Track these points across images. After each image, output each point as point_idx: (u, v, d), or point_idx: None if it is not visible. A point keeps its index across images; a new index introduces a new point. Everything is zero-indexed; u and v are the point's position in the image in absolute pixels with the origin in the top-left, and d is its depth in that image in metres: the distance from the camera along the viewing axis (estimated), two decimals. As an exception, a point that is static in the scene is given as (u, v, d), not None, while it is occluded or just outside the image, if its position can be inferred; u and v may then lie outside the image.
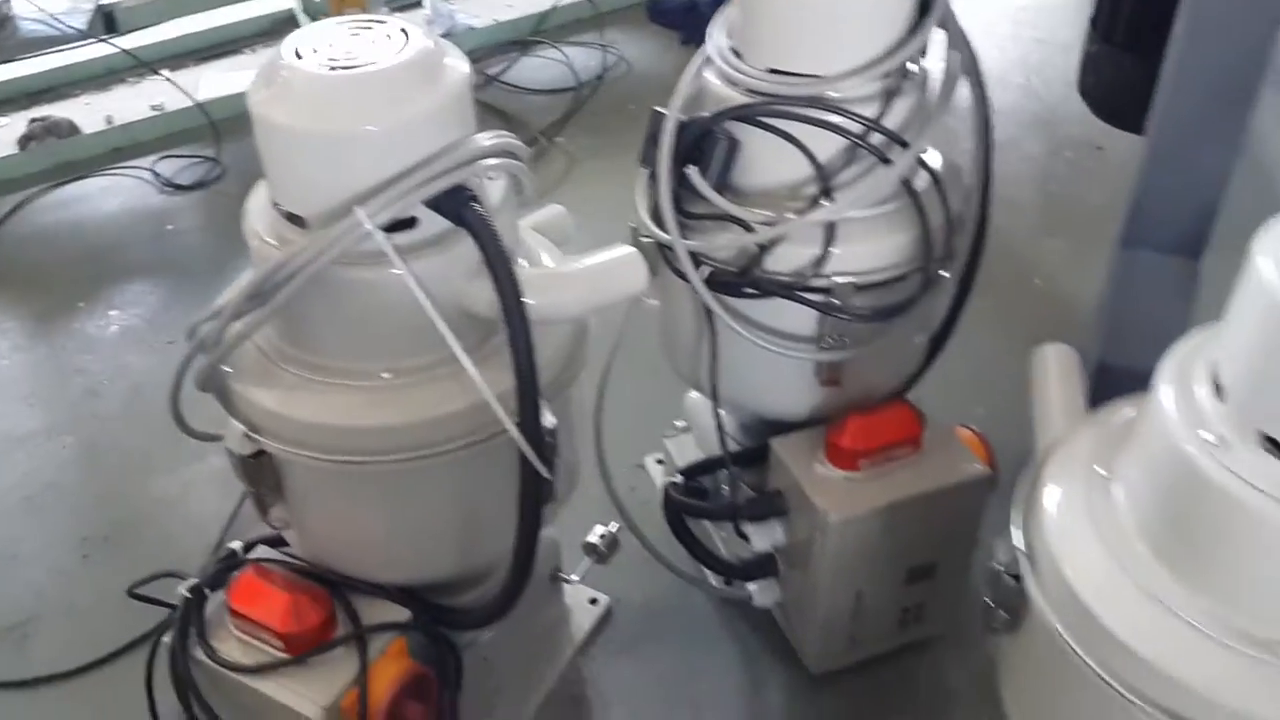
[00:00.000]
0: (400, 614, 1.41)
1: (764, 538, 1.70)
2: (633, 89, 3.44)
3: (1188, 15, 1.70)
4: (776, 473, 1.68)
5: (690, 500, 1.76)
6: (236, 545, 1.51)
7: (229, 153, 3.19)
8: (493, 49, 3.66)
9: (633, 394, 1.98)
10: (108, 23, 3.43)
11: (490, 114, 3.31)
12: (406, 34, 1.26)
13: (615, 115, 3.31)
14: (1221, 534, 1.02)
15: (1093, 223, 2.65)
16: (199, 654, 1.37)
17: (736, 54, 1.58)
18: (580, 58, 3.61)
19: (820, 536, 1.58)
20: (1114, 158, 2.97)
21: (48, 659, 1.90)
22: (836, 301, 1.55)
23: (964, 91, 1.59)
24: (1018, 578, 1.17)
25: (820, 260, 1.55)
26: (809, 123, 1.50)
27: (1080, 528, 1.13)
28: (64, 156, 3.24)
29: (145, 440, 2.29)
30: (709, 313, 1.61)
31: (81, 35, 3.36)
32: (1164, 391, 1.08)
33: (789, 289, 1.56)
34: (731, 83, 1.57)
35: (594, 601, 1.88)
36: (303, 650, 1.34)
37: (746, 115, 1.53)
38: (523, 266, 1.38)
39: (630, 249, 1.36)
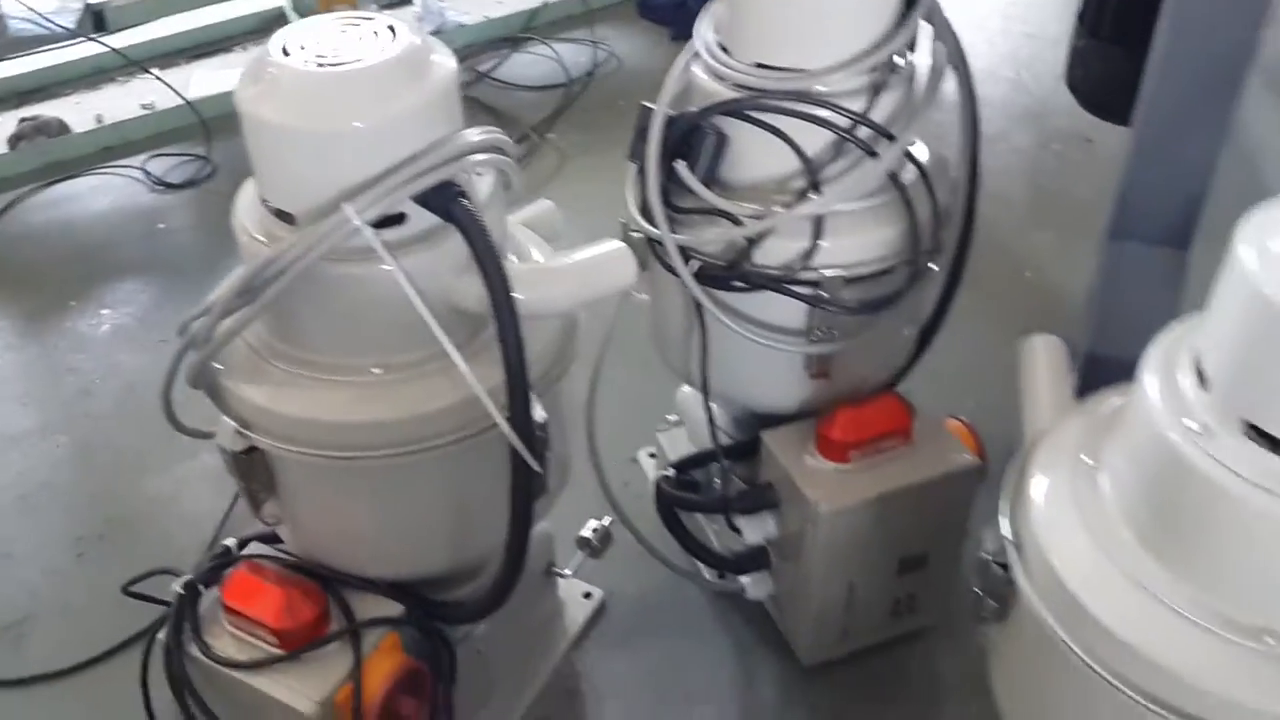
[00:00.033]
0: (394, 609, 1.41)
1: (756, 530, 1.71)
2: (623, 85, 3.45)
3: (1172, 8, 1.71)
4: (768, 465, 1.69)
5: (682, 493, 1.77)
6: (230, 542, 1.52)
7: (220, 151, 3.19)
8: (483, 46, 3.66)
9: (625, 388, 1.99)
10: (97, 21, 3.42)
11: (481, 110, 3.31)
12: (393, 30, 1.26)
13: (606, 111, 3.31)
14: (1206, 521, 1.03)
15: (1082, 215, 2.66)
16: (193, 650, 1.38)
17: (724, 49, 1.59)
18: (570, 54, 3.62)
19: (811, 528, 1.59)
20: (1103, 150, 2.98)
21: (43, 658, 1.90)
22: (825, 294, 1.56)
23: (952, 85, 1.60)
24: (1006, 567, 1.18)
25: (808, 253, 1.55)
26: (796, 117, 1.51)
27: (1067, 516, 1.14)
28: (54, 156, 3.24)
29: (138, 439, 2.29)
30: (699, 307, 1.62)
31: (71, 34, 3.36)
32: (1148, 381, 1.09)
33: (778, 282, 1.57)
34: (719, 78, 1.58)
35: (588, 595, 1.88)
36: (297, 646, 1.35)
37: (734, 110, 1.54)
38: (512, 262, 1.39)
39: (619, 244, 1.36)
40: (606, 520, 1.82)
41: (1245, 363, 1.01)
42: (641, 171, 1.60)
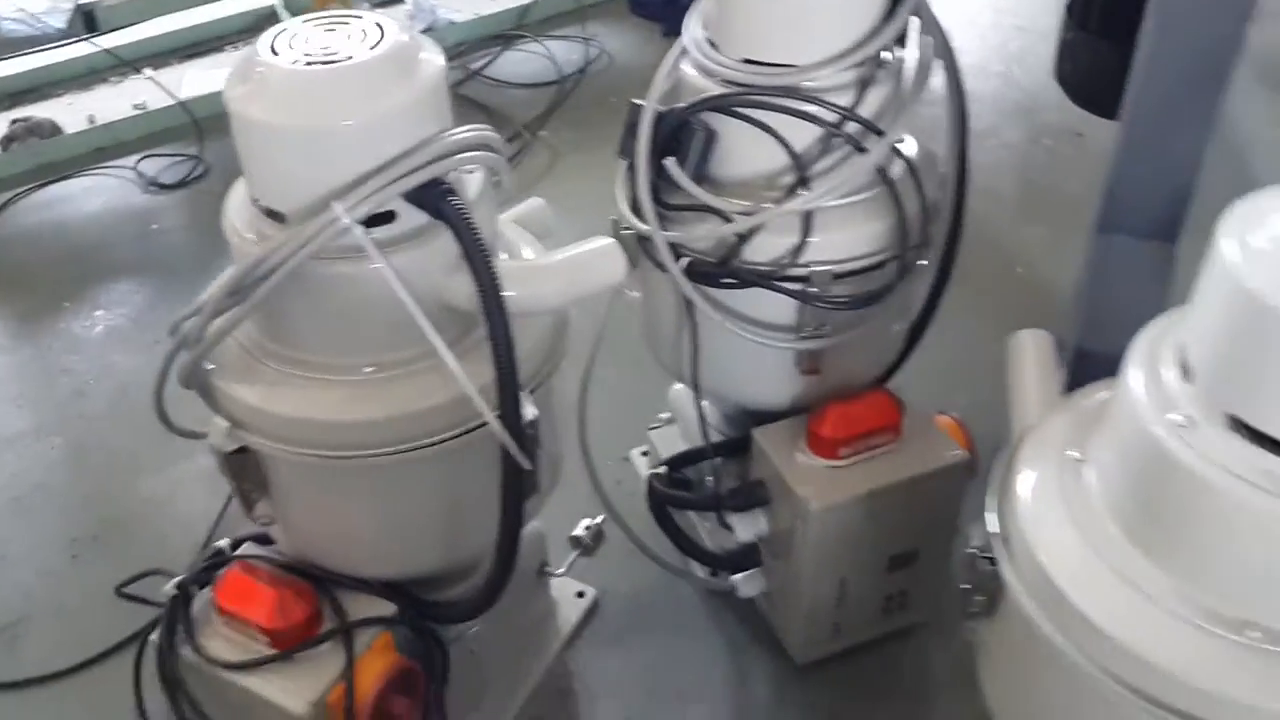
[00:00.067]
0: (386, 609, 1.41)
1: (747, 528, 1.71)
2: (615, 82, 3.44)
3: (1158, 2, 1.71)
4: (759, 462, 1.69)
5: (674, 491, 1.78)
6: (223, 543, 1.52)
7: (212, 151, 3.19)
8: (475, 43, 3.66)
9: (618, 387, 1.99)
10: (88, 22, 3.42)
11: (473, 108, 3.31)
12: (381, 28, 1.26)
13: (598, 108, 3.31)
14: (1190, 515, 1.04)
15: (1073, 209, 2.66)
16: (186, 651, 1.38)
17: (713, 45, 1.59)
18: (562, 51, 3.62)
19: (802, 525, 1.60)
20: (1094, 144, 2.99)
21: (38, 660, 1.90)
22: (815, 290, 1.56)
23: (941, 79, 1.60)
24: (993, 562, 1.18)
25: (798, 249, 1.56)
26: (784, 112, 1.51)
27: (1053, 511, 1.15)
28: (46, 157, 3.24)
29: (133, 440, 2.29)
30: (689, 304, 1.62)
31: (62, 35, 3.35)
32: (1133, 374, 1.09)
33: (768, 278, 1.57)
34: (708, 74, 1.58)
35: (580, 594, 1.89)
36: (289, 646, 1.35)
37: (722, 106, 1.54)
38: (503, 259, 1.39)
39: (608, 240, 1.37)
40: (599, 519, 1.82)
41: (1228, 356, 1.01)
42: (631, 168, 1.60)
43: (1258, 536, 1.00)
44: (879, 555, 1.68)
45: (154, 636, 1.41)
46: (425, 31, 3.57)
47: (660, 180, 1.59)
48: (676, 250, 1.59)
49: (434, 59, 1.29)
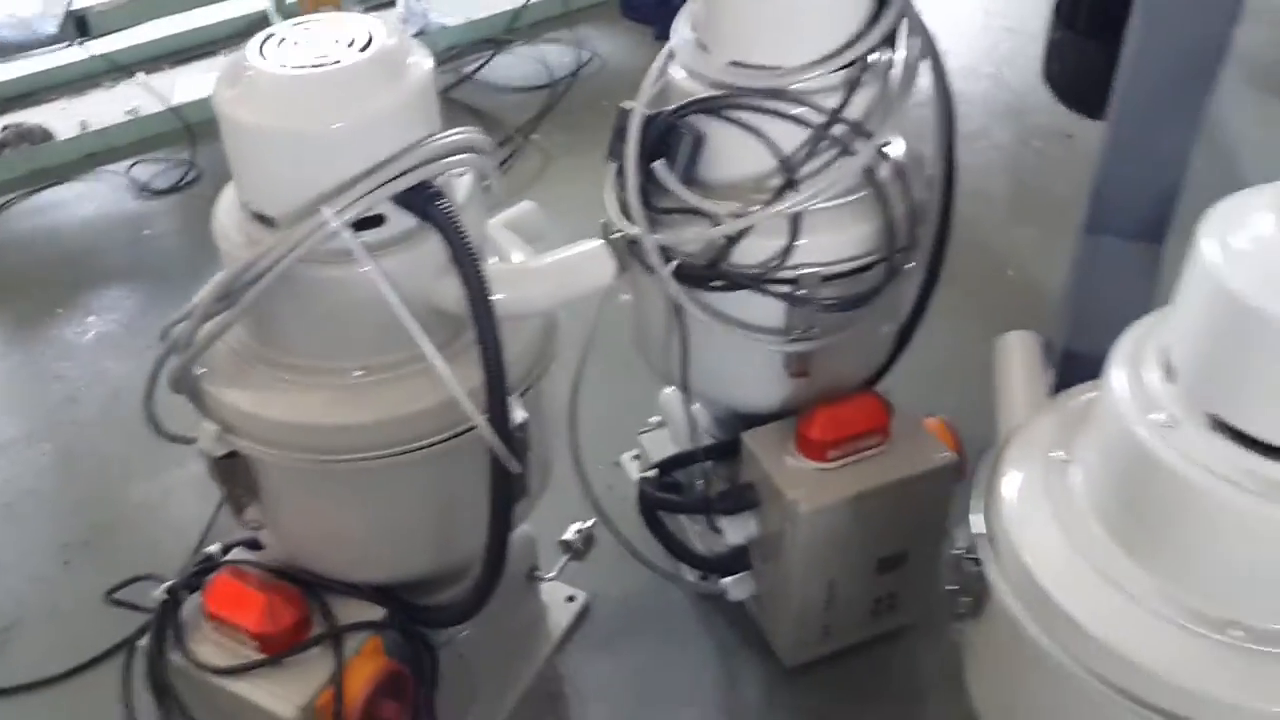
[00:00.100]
0: (375, 613, 1.42)
1: (737, 530, 1.72)
2: (607, 85, 3.45)
3: (1144, 2, 1.72)
4: (748, 465, 1.70)
5: (664, 494, 1.78)
6: (214, 549, 1.52)
7: (205, 156, 3.19)
8: (467, 47, 3.66)
9: (609, 391, 1.99)
10: (80, 27, 3.41)
11: (465, 112, 3.31)
12: (370, 32, 1.27)
13: (590, 112, 3.31)
14: (1173, 515, 1.04)
15: (1063, 211, 2.66)
16: (175, 656, 1.39)
17: (701, 48, 1.60)
18: (554, 55, 3.62)
19: (791, 527, 1.60)
20: (1083, 146, 2.99)
21: (29, 665, 1.90)
22: (803, 292, 1.57)
23: (929, 80, 1.61)
24: (979, 562, 1.19)
25: (786, 251, 1.56)
26: (771, 115, 1.51)
27: (1038, 511, 1.15)
28: (38, 163, 3.23)
29: (124, 445, 2.29)
30: (678, 306, 1.62)
31: (54, 40, 3.35)
32: (1116, 375, 1.10)
33: (756, 280, 1.57)
34: (696, 77, 1.58)
35: (571, 599, 1.89)
36: (278, 651, 1.35)
37: (710, 108, 1.55)
38: (492, 263, 1.39)
39: (597, 243, 1.37)
40: (589, 523, 1.82)
41: (1210, 356, 1.02)
42: (620, 171, 1.61)
43: (1240, 536, 1.01)
44: (868, 557, 1.68)
45: (143, 642, 1.41)
46: (417, 35, 3.58)
47: (649, 183, 1.59)
48: (666, 253, 1.59)
49: (422, 62, 1.29)
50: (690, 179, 1.58)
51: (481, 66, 3.59)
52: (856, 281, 1.60)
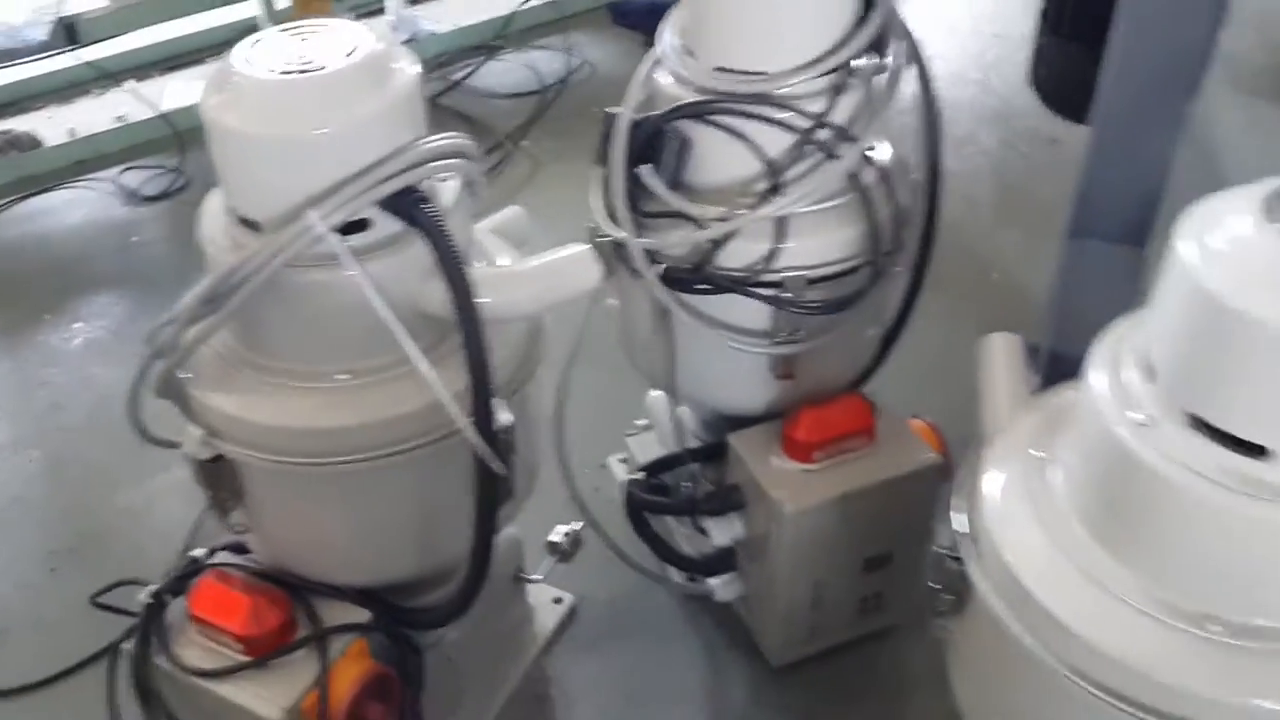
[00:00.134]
0: (361, 615, 1.42)
1: (723, 532, 1.72)
2: (597, 91, 3.46)
3: (1127, 6, 1.73)
4: (734, 467, 1.70)
5: (650, 496, 1.78)
6: (199, 552, 1.52)
7: (193, 163, 3.19)
8: (457, 54, 3.67)
9: (597, 394, 2.00)
10: (69, 34, 3.41)
11: (455, 119, 3.32)
12: (356, 37, 1.28)
13: (580, 118, 3.32)
14: (1152, 512, 1.05)
15: (1049, 215, 2.67)
16: (160, 660, 1.38)
17: (687, 53, 1.61)
18: (544, 61, 3.63)
19: (777, 528, 1.61)
20: (1069, 151, 3.00)
21: (15, 671, 1.90)
22: (789, 295, 1.58)
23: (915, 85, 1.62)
24: (961, 561, 1.20)
25: (772, 255, 1.57)
26: (757, 119, 1.52)
27: (1019, 510, 1.16)
28: (27, 170, 3.23)
29: (110, 452, 2.29)
30: (665, 310, 1.63)
31: (43, 47, 3.35)
32: (1095, 375, 1.11)
33: (742, 284, 1.58)
34: (682, 82, 1.59)
35: (558, 600, 1.89)
36: (263, 653, 1.35)
37: (696, 113, 1.56)
38: (478, 267, 1.40)
39: (583, 246, 1.38)
40: (576, 525, 1.82)
41: (1188, 356, 1.03)
42: (607, 176, 1.61)
43: (1218, 532, 1.02)
44: (854, 557, 1.69)
45: (128, 645, 1.41)
46: (407, 42, 3.59)
47: (636, 188, 1.60)
48: (652, 257, 1.60)
49: (408, 68, 1.30)
50: (676, 183, 1.59)
51: (471, 73, 3.60)
52: (841, 284, 1.61)
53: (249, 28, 3.54)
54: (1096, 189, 1.85)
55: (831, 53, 1.53)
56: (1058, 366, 1.69)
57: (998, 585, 1.14)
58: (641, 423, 2.09)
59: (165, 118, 3.33)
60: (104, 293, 2.80)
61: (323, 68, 1.23)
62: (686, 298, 1.62)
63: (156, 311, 1.33)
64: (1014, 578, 1.11)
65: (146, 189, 3.16)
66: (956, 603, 1.23)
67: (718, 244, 1.58)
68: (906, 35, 1.60)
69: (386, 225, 1.26)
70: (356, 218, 1.23)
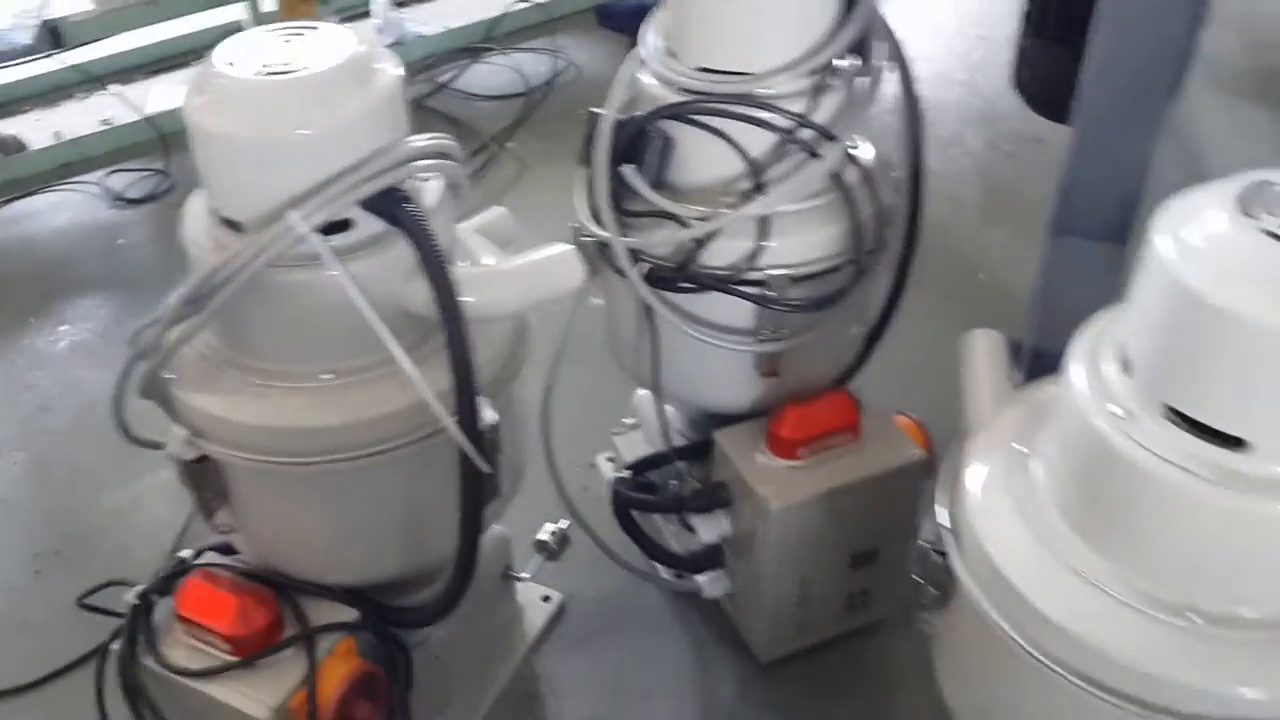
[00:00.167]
0: (348, 614, 1.42)
1: (710, 529, 1.73)
2: (583, 94, 3.46)
3: (1107, 7, 1.75)
4: (720, 464, 1.71)
5: (637, 494, 1.79)
6: (186, 553, 1.52)
7: (179, 165, 3.18)
8: (443, 56, 3.68)
9: (585, 394, 2.00)
10: (54, 37, 3.40)
11: (441, 121, 3.32)
12: (338, 39, 1.28)
13: (565, 120, 3.32)
14: (1130, 503, 1.07)
15: (1034, 215, 2.68)
16: (148, 660, 1.38)
17: (670, 54, 1.61)
18: (530, 63, 3.64)
19: (763, 525, 1.62)
20: (1054, 151, 3.00)
21: (3, 674, 1.89)
22: (772, 293, 1.58)
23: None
24: (944, 554, 1.21)
25: (755, 253, 1.58)
26: (739, 119, 1.53)
27: (1001, 503, 1.17)
28: (12, 173, 3.22)
29: (96, 454, 2.28)
30: (649, 309, 1.64)
31: (28, 50, 3.34)
32: (1074, 369, 1.12)
33: (725, 282, 1.59)
34: (665, 82, 1.60)
35: (547, 599, 1.90)
36: (250, 653, 1.35)
37: (679, 113, 1.56)
38: (462, 266, 1.40)
39: (566, 246, 1.38)
40: (564, 524, 1.83)
41: (1165, 349, 1.04)
42: (591, 176, 1.62)
43: (1195, 523, 1.03)
44: (840, 553, 1.70)
45: (115, 646, 1.41)
46: (394, 45, 3.59)
47: (619, 187, 1.61)
48: (636, 256, 1.61)
49: (390, 69, 1.30)
50: (660, 183, 1.60)
51: (458, 75, 3.60)
52: (825, 283, 1.62)
53: (234, 31, 3.51)
54: (1078, 188, 1.86)
55: (813, 53, 1.54)
56: (1040, 363, 1.70)
57: (980, 578, 1.15)
58: (629, 421, 2.09)
59: (150, 121, 3.32)
60: (90, 295, 2.80)
61: (304, 69, 1.23)
62: (671, 296, 1.63)
63: (142, 314, 1.33)
64: (996, 570, 1.13)
65: (132, 192, 3.15)
66: (941, 596, 1.24)
67: (701, 243, 1.58)
68: (889, 35, 1.61)
69: (369, 225, 1.27)
70: (339, 218, 1.24)
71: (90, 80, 3.53)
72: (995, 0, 3.89)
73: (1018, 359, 1.64)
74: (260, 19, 3.47)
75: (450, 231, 1.41)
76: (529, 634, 1.85)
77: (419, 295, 1.26)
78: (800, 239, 1.59)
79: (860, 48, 1.59)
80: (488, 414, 1.30)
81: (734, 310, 1.61)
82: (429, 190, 1.35)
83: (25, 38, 3.30)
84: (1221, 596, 1.05)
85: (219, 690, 1.35)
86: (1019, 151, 3.16)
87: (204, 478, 1.38)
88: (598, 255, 1.65)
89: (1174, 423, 1.03)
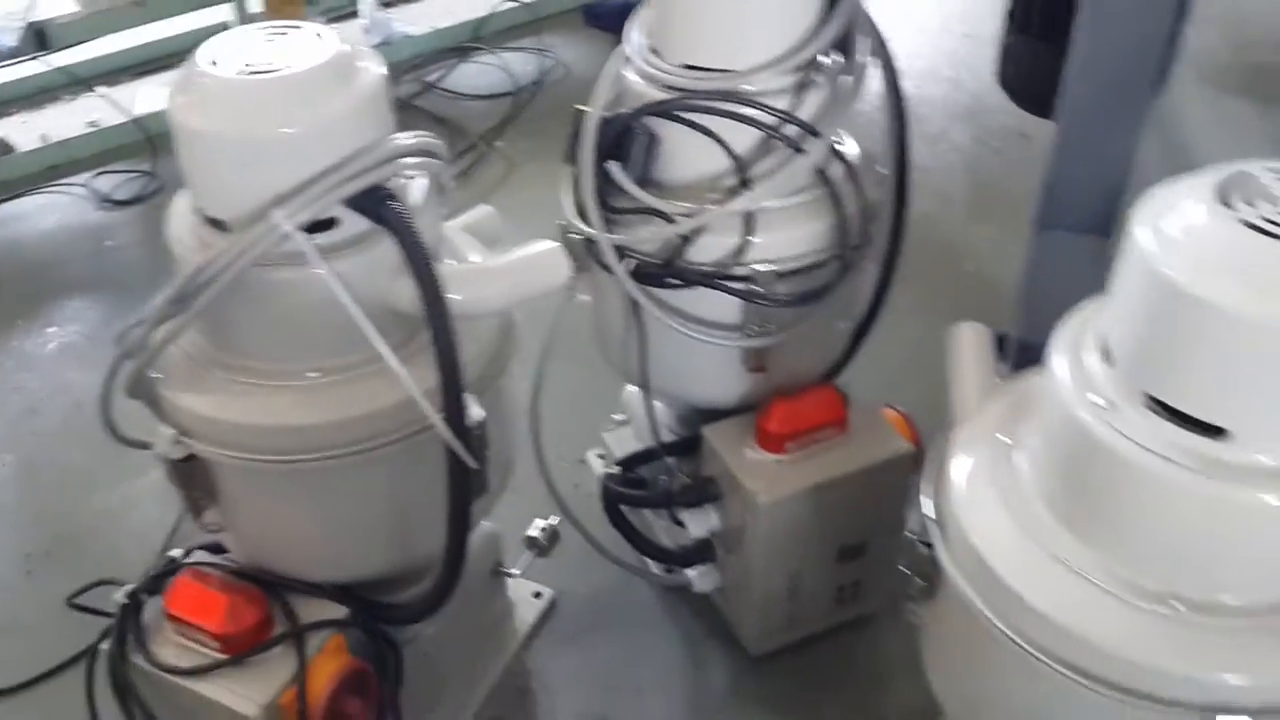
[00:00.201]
0: (338, 611, 1.42)
1: (700, 524, 1.74)
2: (571, 92, 3.45)
3: (1090, 2, 1.76)
4: (709, 460, 1.72)
5: (627, 490, 1.80)
6: (176, 552, 1.52)
7: (166, 167, 3.18)
8: (431, 56, 3.68)
9: (576, 391, 2.01)
10: (40, 40, 3.39)
11: (429, 120, 3.33)
12: (321, 38, 1.28)
13: (554, 119, 3.29)
14: (1113, 492, 1.08)
15: (1021, 209, 2.69)
16: (138, 659, 1.38)
17: (654, 52, 1.62)
18: (518, 63, 3.64)
19: (752, 519, 1.62)
20: (1040, 146, 3.01)
21: (-7, 676, 1.89)
22: (759, 289, 1.59)
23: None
24: (930, 545, 1.21)
25: (741, 249, 1.59)
26: (723, 116, 1.54)
27: (986, 494, 1.18)
28: (-1, 176, 3.22)
29: (85, 456, 2.28)
30: (636, 305, 1.64)
31: (14, 53, 3.33)
32: (1057, 361, 1.13)
33: (712, 278, 1.60)
34: (650, 80, 1.61)
35: (537, 595, 1.90)
36: (240, 650, 1.35)
37: (664, 111, 1.57)
38: (449, 264, 1.40)
39: (552, 243, 1.39)
40: (554, 520, 1.83)
41: (1145, 339, 1.05)
42: (577, 174, 1.62)
43: (1177, 511, 1.04)
44: (829, 547, 1.71)
45: (105, 645, 1.41)
46: (381, 45, 3.59)
47: (605, 184, 1.61)
48: (622, 253, 1.62)
49: (374, 67, 1.31)
50: (645, 180, 1.60)
51: (446, 75, 3.60)
52: (810, 278, 1.63)
53: (220, 32, 3.56)
54: (1063, 182, 1.88)
55: (797, 50, 1.55)
56: (1027, 355, 1.71)
57: (965, 569, 1.16)
58: (619, 418, 2.10)
59: (137, 122, 3.32)
60: (78, 297, 2.79)
61: (287, 68, 1.24)
62: (657, 292, 1.64)
63: (131, 316, 1.33)
64: (981, 560, 1.13)
65: (119, 193, 3.15)
66: (927, 588, 1.25)
67: (687, 239, 1.59)
68: (872, 31, 1.62)
69: (354, 223, 1.27)
70: (324, 216, 1.24)
71: (77, 82, 3.52)
72: (981, -5, 3.92)
73: (1004, 352, 1.65)
74: (247, 19, 3.47)
75: (436, 229, 1.41)
76: (520, 630, 1.85)
77: (405, 293, 1.26)
78: (786, 234, 1.60)
79: (844, 44, 1.60)
80: (474, 411, 1.30)
81: (721, 306, 1.62)
82: (414, 188, 1.36)
83: (11, 40, 3.29)
84: (1203, 584, 1.06)
85: (209, 688, 1.34)
86: (1005, 147, 3.18)
87: (192, 477, 1.38)
88: (585, 252, 1.66)
89: (1155, 412, 1.05)
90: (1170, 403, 1.03)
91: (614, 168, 1.59)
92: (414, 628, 1.53)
